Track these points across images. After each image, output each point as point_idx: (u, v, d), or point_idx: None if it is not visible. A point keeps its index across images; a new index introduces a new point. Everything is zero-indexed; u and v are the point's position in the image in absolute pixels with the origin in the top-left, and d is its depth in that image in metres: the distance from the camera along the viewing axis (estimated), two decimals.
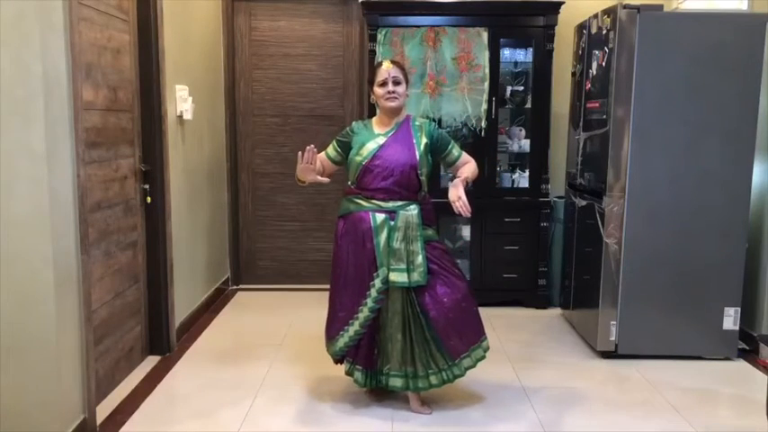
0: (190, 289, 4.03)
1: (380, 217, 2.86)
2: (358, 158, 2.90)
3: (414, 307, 2.85)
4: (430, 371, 2.86)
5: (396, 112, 2.94)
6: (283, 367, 3.46)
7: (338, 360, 3.04)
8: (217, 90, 4.63)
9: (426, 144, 2.92)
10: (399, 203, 2.88)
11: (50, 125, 2.41)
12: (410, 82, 3.21)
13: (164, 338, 3.59)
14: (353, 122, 3.08)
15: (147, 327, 3.56)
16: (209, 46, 4.41)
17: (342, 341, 2.93)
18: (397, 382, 2.90)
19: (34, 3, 2.33)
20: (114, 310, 3.15)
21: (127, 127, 3.27)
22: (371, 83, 2.97)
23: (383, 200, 2.88)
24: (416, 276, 2.83)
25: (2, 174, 2.35)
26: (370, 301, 2.86)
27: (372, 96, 2.99)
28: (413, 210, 2.88)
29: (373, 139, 2.92)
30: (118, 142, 3.16)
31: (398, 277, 2.82)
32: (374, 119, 3.03)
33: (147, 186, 3.42)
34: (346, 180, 3.03)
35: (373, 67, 3.06)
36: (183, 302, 3.88)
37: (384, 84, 2.89)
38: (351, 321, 2.90)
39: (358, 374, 2.94)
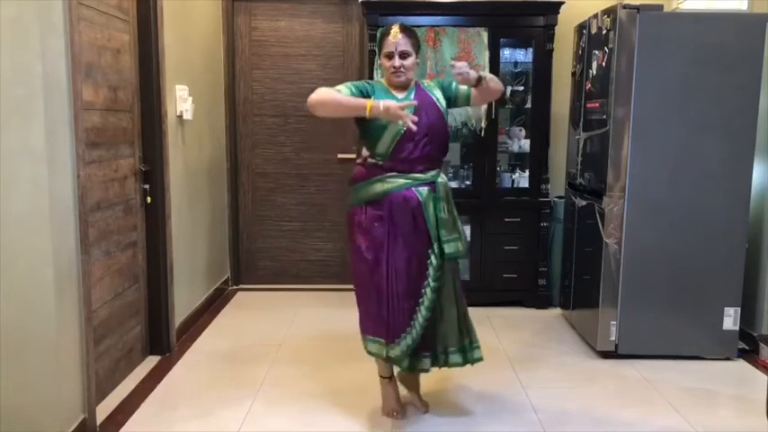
0: (190, 289, 4.03)
1: (425, 190, 2.67)
2: (393, 127, 2.60)
3: (458, 277, 2.76)
4: (475, 343, 2.82)
5: (405, 84, 2.74)
6: (283, 367, 3.46)
7: (409, 356, 2.74)
8: (217, 90, 4.63)
9: (443, 97, 2.77)
10: (434, 173, 2.72)
11: (50, 125, 2.41)
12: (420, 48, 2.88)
13: (164, 338, 3.59)
14: (370, 81, 2.83)
15: (147, 327, 3.56)
16: (209, 46, 4.41)
17: (415, 332, 2.67)
18: (458, 359, 2.79)
19: (34, 3, 2.33)
20: (114, 310, 3.15)
21: (127, 127, 3.27)
22: (379, 49, 2.75)
23: (422, 171, 2.68)
24: (465, 244, 2.74)
25: (2, 174, 2.35)
26: (431, 281, 2.67)
27: (379, 63, 2.78)
28: (444, 177, 2.77)
29: (401, 103, 2.58)
30: (118, 142, 3.16)
31: (452, 248, 2.68)
32: (385, 81, 2.79)
33: (147, 186, 3.42)
34: (352, 167, 2.84)
35: (381, 33, 2.78)
36: (183, 302, 3.88)
37: (390, 56, 2.68)
38: (417, 308, 2.67)
39: (425, 362, 2.77)
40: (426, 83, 2.84)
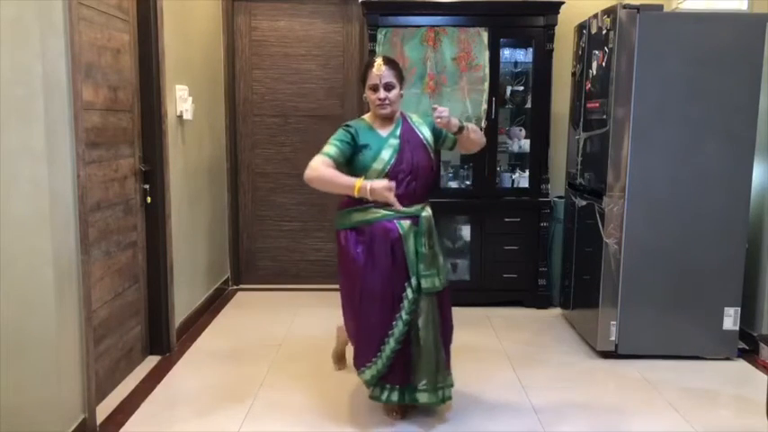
0: (190, 289, 4.03)
1: (407, 223, 2.70)
2: (377, 166, 2.68)
3: (437, 312, 2.74)
4: (449, 381, 2.80)
5: (391, 116, 2.79)
6: (283, 367, 3.46)
7: (375, 386, 2.79)
8: (217, 90, 4.63)
9: (432, 137, 2.80)
10: (419, 206, 2.75)
11: (50, 125, 2.41)
12: (405, 83, 2.91)
13: (164, 338, 3.59)
14: (350, 123, 2.82)
15: (147, 327, 3.56)
16: (209, 46, 4.41)
17: (380, 363, 2.71)
18: (432, 398, 2.75)
19: (34, 3, 2.33)
20: (114, 310, 3.15)
21: (127, 127, 3.27)
22: (363, 82, 2.78)
23: (407, 206, 2.70)
24: (443, 279, 2.73)
25: (2, 174, 2.35)
26: (404, 314, 2.68)
27: (365, 96, 2.82)
28: (429, 211, 2.77)
29: (386, 142, 2.72)
30: (118, 142, 3.16)
31: (428, 283, 2.68)
32: (369, 117, 2.83)
33: (147, 186, 3.42)
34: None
35: (366, 64, 2.83)
36: (183, 302, 3.88)
37: (375, 89, 2.72)
38: (386, 340, 2.69)
39: (393, 395, 2.75)
40: (414, 118, 2.85)
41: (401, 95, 2.80)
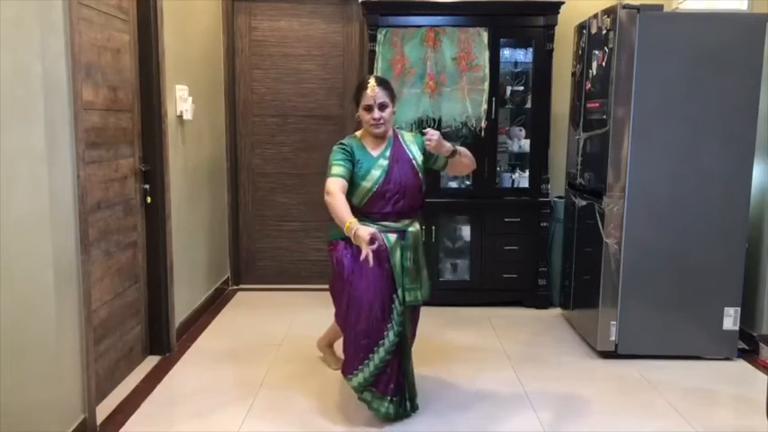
0: (190, 289, 4.03)
1: (393, 237, 2.78)
2: (366, 185, 2.76)
3: (411, 324, 2.87)
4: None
5: (383, 135, 2.84)
6: (283, 367, 3.46)
7: (363, 391, 2.82)
8: (217, 90, 4.63)
9: (422, 159, 2.86)
10: (407, 222, 2.84)
11: (50, 125, 2.41)
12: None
13: (164, 338, 3.59)
14: (343, 141, 2.86)
15: (147, 327, 3.56)
16: (209, 46, 4.41)
17: (367, 371, 2.74)
18: (413, 408, 2.90)
19: (34, 3, 2.33)
20: (114, 310, 3.15)
21: (127, 127, 3.27)
22: (357, 102, 2.82)
23: (394, 221, 2.81)
24: (425, 292, 2.82)
25: (2, 174, 2.35)
26: (395, 326, 2.74)
27: (358, 115, 2.86)
28: (417, 226, 2.86)
29: (376, 162, 2.79)
30: (118, 142, 3.16)
31: (411, 296, 2.77)
32: (361, 134, 2.89)
33: (147, 186, 3.42)
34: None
35: (358, 85, 2.88)
36: (183, 302, 3.88)
37: (369, 109, 2.77)
38: (375, 348, 2.73)
39: (389, 405, 2.78)
40: (407, 137, 2.90)
41: (394, 112, 2.86)
